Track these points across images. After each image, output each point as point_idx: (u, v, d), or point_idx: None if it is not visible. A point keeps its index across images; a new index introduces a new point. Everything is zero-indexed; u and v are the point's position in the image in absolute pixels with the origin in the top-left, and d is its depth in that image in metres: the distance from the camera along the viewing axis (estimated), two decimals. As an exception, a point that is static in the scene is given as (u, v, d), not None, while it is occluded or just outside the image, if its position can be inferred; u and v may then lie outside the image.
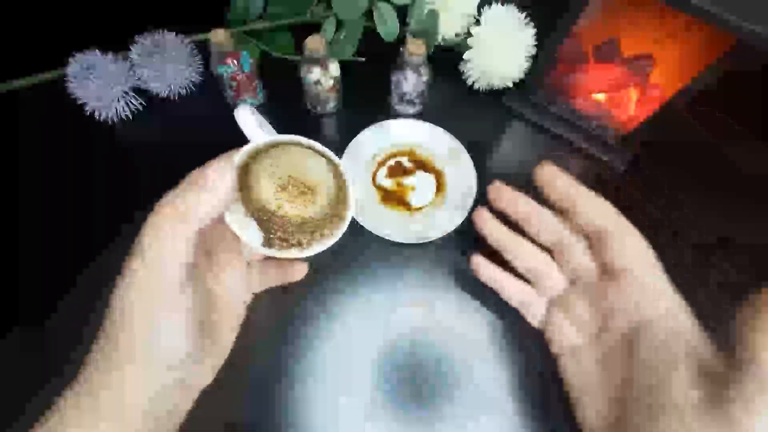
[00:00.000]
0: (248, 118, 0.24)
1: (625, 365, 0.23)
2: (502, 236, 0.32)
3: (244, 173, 0.24)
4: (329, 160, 0.25)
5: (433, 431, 0.38)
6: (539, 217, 0.30)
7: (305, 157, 0.25)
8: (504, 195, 0.31)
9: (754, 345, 0.18)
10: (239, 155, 0.23)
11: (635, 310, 0.24)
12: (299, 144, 0.24)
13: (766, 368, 0.18)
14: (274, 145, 0.24)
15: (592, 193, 0.28)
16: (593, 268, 0.28)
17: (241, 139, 0.25)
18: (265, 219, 0.25)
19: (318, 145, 0.23)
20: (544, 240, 0.31)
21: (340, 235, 0.25)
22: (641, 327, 0.23)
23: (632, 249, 0.27)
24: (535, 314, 0.32)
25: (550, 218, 0.30)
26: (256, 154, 0.24)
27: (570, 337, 0.28)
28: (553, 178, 0.29)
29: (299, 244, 0.25)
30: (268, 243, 0.25)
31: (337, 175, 0.26)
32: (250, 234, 0.24)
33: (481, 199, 0.46)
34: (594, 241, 0.28)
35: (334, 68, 0.47)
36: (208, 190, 0.21)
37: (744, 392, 0.18)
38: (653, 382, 0.21)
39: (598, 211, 0.28)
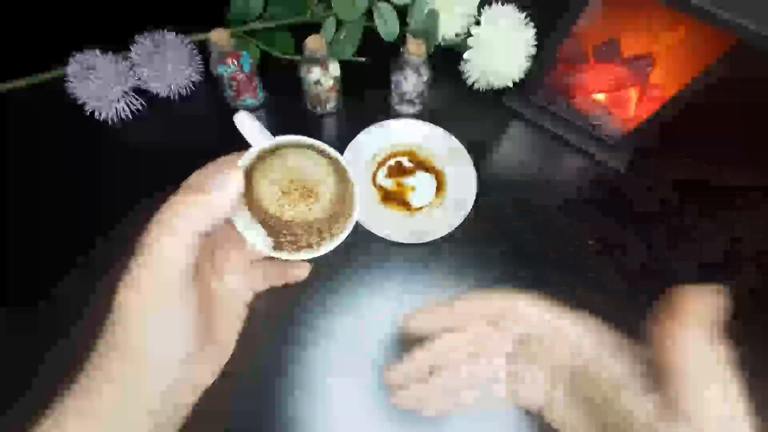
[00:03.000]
0: (248, 123, 0.24)
1: (587, 401, 0.26)
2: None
3: (246, 180, 0.24)
4: (332, 159, 0.25)
5: (432, 430, 0.38)
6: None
7: (303, 160, 0.25)
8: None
9: (665, 349, 0.22)
10: (244, 160, 0.23)
11: (569, 359, 0.27)
12: (303, 145, 0.24)
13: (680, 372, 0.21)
14: (273, 150, 0.24)
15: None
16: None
17: (240, 139, 0.25)
18: (270, 224, 0.25)
19: (321, 144, 0.23)
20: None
21: (349, 232, 0.25)
22: (579, 370, 0.26)
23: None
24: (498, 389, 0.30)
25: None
26: (257, 160, 0.24)
27: (537, 393, 0.28)
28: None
29: (309, 245, 0.25)
30: (278, 246, 0.25)
31: (340, 172, 0.26)
32: (259, 238, 0.24)
33: (481, 199, 0.47)
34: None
35: (334, 68, 0.47)
36: (214, 199, 0.21)
37: (675, 390, 0.21)
38: (612, 407, 0.24)
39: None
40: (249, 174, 0.24)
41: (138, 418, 0.21)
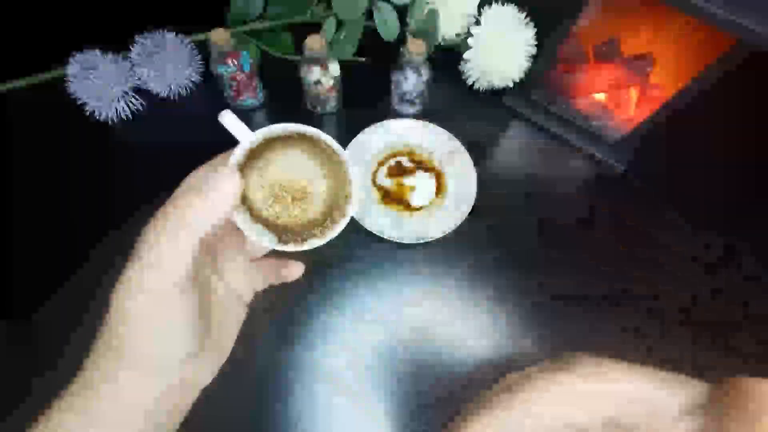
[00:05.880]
0: (234, 121, 0.24)
1: None
2: None
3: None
4: (321, 147, 0.25)
5: (432, 430, 0.38)
6: None
7: (291, 162, 0.25)
8: None
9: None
10: (236, 156, 0.23)
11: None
12: (291, 134, 0.24)
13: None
14: (260, 155, 0.24)
15: None
16: None
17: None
18: (269, 225, 0.25)
19: (309, 129, 0.24)
20: None
21: (351, 216, 0.26)
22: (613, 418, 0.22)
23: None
24: None
25: None
26: (246, 161, 0.24)
27: None
28: None
29: (313, 236, 0.26)
30: (283, 241, 0.25)
31: (332, 159, 0.26)
32: (262, 235, 0.24)
33: (481, 199, 0.47)
34: None
35: (334, 68, 0.47)
36: (212, 200, 0.21)
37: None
38: None
39: None
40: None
41: (136, 418, 0.21)
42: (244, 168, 0.24)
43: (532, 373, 0.24)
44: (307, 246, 0.25)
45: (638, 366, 0.23)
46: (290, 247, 0.25)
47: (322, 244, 0.25)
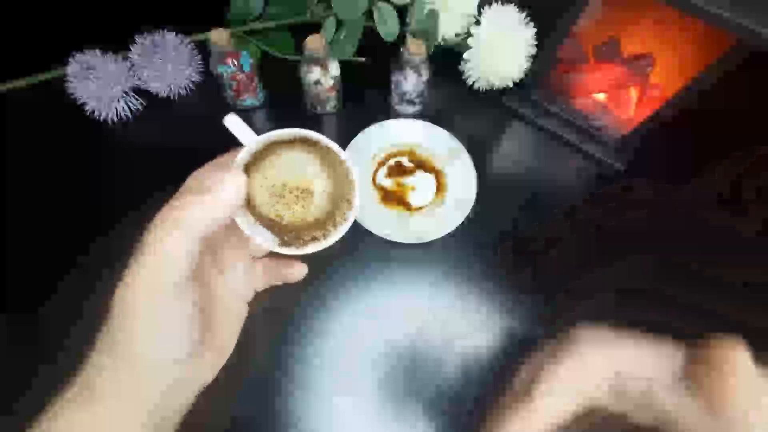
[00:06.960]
0: (239, 124, 0.24)
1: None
2: None
3: None
4: (323, 149, 0.25)
5: (432, 429, 0.38)
6: None
7: (293, 161, 0.25)
8: None
9: None
10: (241, 157, 0.23)
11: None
12: (294, 138, 0.24)
13: None
14: (263, 156, 0.24)
15: None
16: None
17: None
18: (271, 225, 0.25)
19: (312, 134, 0.24)
20: None
21: (353, 220, 0.26)
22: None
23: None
24: None
25: None
26: (250, 162, 0.24)
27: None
28: None
29: (314, 239, 0.26)
30: (285, 243, 0.25)
31: (333, 162, 0.26)
32: (264, 237, 0.24)
33: (481, 199, 0.47)
34: None
35: (334, 68, 0.47)
36: (215, 200, 0.21)
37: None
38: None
39: None
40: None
41: (137, 417, 0.21)
42: (247, 168, 0.24)
43: (542, 363, 0.27)
44: (308, 249, 0.25)
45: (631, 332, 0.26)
46: (291, 250, 0.25)
47: (323, 248, 0.25)
